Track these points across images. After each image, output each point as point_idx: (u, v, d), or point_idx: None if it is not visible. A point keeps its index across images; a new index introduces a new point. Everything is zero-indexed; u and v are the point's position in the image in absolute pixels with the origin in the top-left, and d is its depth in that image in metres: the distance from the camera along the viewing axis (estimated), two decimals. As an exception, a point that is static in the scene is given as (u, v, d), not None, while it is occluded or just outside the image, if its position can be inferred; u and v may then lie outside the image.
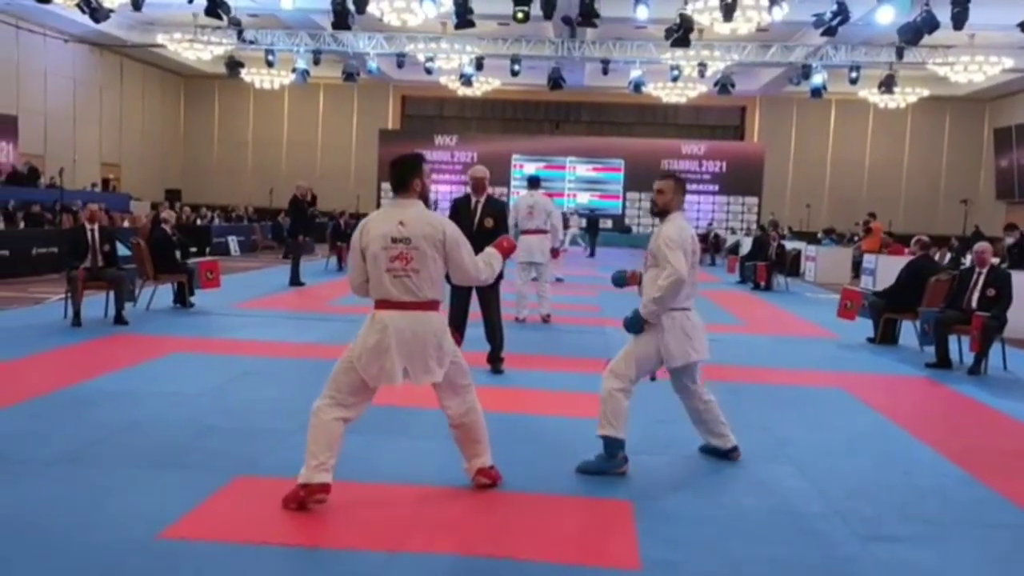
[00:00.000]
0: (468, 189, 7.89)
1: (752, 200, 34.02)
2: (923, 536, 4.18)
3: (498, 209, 7.75)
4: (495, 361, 7.59)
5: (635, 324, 4.88)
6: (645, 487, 4.67)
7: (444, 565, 3.68)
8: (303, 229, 14.98)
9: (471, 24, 19.42)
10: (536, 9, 18.40)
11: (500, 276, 4.96)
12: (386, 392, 4.43)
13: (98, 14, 18.78)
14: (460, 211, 7.65)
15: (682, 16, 18.97)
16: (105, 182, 28.63)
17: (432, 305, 4.22)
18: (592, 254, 25.92)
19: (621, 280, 5.23)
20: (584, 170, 34.46)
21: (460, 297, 7.45)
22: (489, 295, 7.46)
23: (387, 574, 3.56)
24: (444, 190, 32.38)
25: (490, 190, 7.99)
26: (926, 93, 27.98)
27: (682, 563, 3.73)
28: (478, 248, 4.52)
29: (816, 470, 5.11)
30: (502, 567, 3.66)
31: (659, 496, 4.57)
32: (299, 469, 4.17)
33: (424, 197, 4.30)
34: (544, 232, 10.81)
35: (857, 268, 19.90)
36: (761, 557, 3.85)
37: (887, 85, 25.35)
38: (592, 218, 28.61)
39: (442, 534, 3.98)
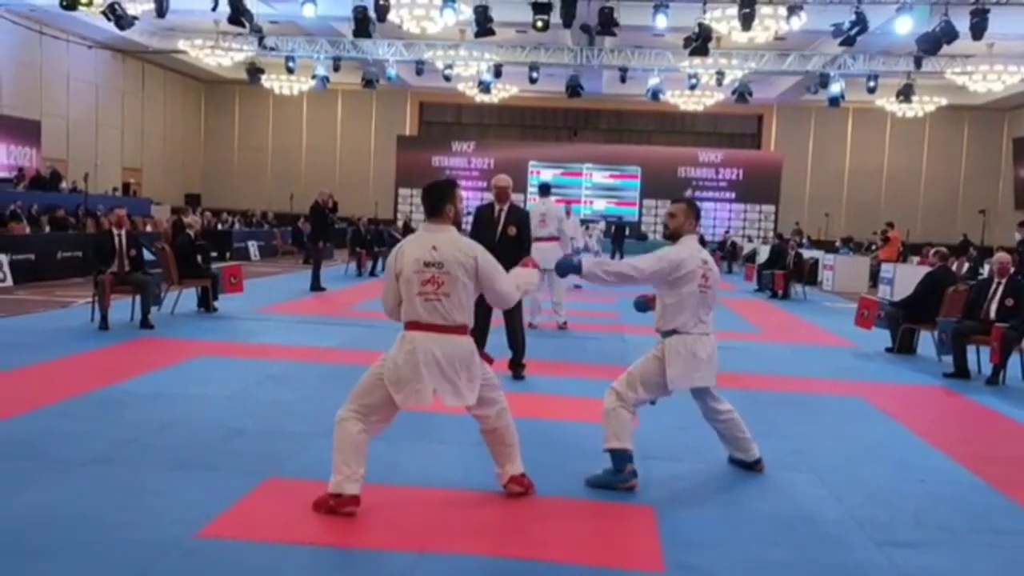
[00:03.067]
0: (491, 196, 7.95)
1: (769, 208, 34.02)
2: (937, 542, 4.26)
3: (521, 218, 7.80)
4: (516, 367, 7.68)
5: (565, 267, 4.92)
6: (667, 492, 4.76)
7: (472, 566, 3.78)
8: (324, 235, 15.14)
9: (491, 32, 19.57)
10: (555, 17, 18.52)
11: None
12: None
13: (123, 21, 19.04)
14: (483, 219, 7.71)
15: (700, 25, 19.07)
16: (126, 186, 28.98)
17: (461, 329, 4.28)
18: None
19: (643, 306, 5.26)
20: (601, 177, 34.55)
21: (481, 307, 7.46)
22: (512, 303, 7.52)
23: (416, 574, 3.66)
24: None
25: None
26: (944, 102, 27.89)
27: (704, 566, 3.83)
28: (502, 255, 4.61)
29: (834, 477, 5.19)
30: (529, 568, 3.76)
31: (681, 501, 4.66)
32: (325, 471, 4.26)
33: (457, 223, 4.38)
34: (556, 239, 10.82)
35: (875, 277, 19.89)
36: (779, 561, 3.94)
37: (905, 94, 25.37)
38: (619, 225, 28.19)
39: (469, 536, 4.08)
